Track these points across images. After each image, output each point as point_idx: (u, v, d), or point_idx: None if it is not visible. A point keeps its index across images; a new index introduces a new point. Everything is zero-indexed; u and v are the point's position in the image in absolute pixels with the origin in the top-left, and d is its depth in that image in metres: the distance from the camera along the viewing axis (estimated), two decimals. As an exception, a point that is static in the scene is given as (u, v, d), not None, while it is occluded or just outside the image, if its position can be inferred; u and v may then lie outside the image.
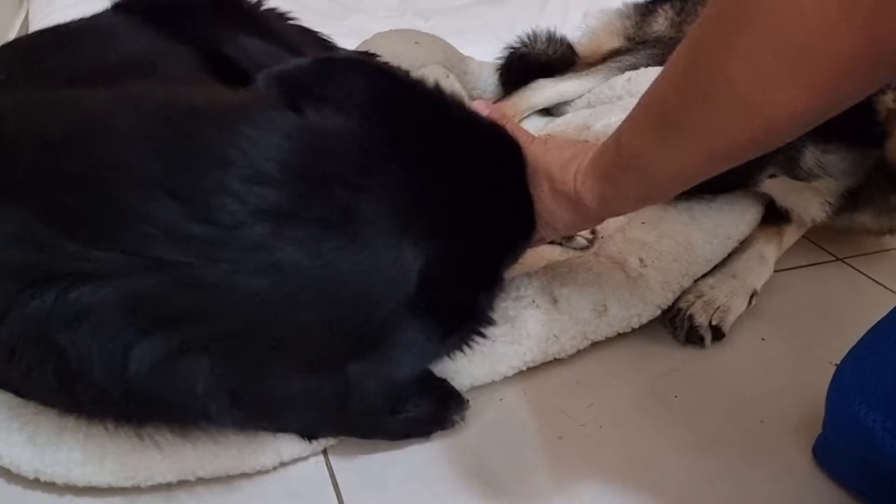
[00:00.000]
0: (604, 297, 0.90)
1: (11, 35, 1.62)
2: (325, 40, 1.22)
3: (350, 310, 0.64)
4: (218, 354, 0.60)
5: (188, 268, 0.58)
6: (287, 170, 0.62)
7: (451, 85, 1.39)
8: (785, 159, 0.96)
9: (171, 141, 0.62)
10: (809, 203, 1.03)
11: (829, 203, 1.02)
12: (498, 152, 0.78)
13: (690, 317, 0.94)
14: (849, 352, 0.75)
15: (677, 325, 0.95)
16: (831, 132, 0.91)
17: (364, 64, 0.87)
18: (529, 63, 1.54)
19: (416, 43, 1.43)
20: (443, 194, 0.71)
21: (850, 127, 0.87)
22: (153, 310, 0.58)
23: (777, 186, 1.03)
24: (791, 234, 1.15)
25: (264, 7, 1.12)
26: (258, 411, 0.68)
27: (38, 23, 1.60)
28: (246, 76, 0.85)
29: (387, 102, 0.74)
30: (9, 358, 0.61)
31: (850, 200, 1.01)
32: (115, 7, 1.00)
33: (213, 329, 0.60)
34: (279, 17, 1.13)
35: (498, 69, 1.53)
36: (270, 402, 0.67)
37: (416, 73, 1.34)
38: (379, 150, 0.68)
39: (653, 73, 1.43)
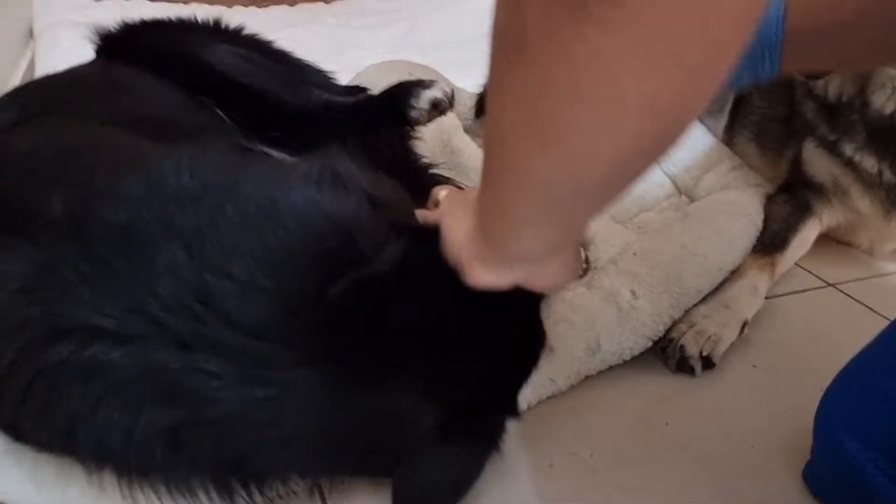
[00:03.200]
0: (597, 335, 0.92)
1: (18, 75, 1.66)
2: (306, 64, 1.25)
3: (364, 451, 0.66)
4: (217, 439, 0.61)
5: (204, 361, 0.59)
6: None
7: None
8: None
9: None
10: None
11: None
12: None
13: (682, 347, 0.96)
14: (833, 380, 0.76)
15: (669, 355, 0.97)
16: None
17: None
18: None
19: (409, 74, 1.45)
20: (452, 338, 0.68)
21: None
22: (166, 383, 0.59)
23: None
24: (783, 264, 1.17)
25: (239, 29, 1.15)
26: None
27: (44, 64, 1.64)
28: (225, 81, 0.90)
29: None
30: (21, 398, 0.62)
31: None
32: (98, 52, 1.04)
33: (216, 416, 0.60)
34: (255, 38, 1.17)
35: (476, 96, 1.55)
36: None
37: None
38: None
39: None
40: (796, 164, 1.26)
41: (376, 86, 1.36)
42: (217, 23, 1.12)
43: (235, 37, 1.09)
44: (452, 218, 0.67)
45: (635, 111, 0.44)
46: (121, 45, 1.02)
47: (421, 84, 1.14)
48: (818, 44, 0.83)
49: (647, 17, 0.40)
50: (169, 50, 0.97)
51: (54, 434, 0.64)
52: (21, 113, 0.85)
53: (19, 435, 0.70)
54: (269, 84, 1.00)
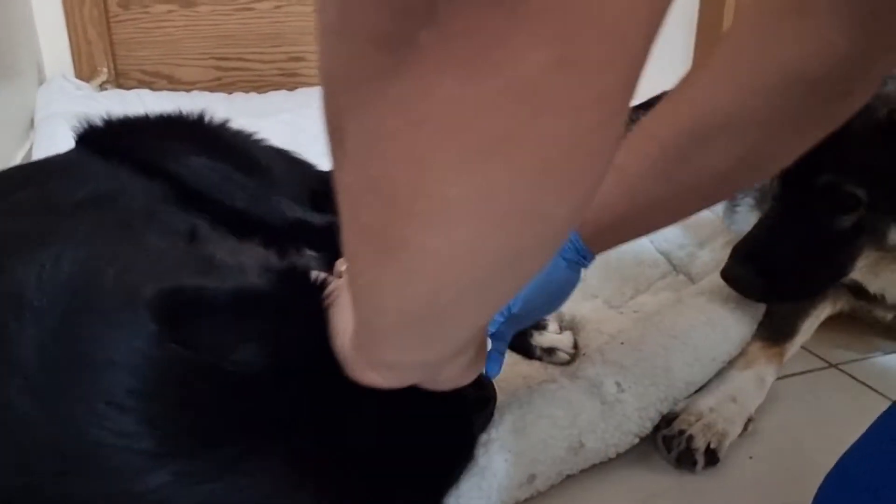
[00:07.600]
0: (580, 433, 0.87)
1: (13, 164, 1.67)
2: (296, 158, 1.27)
3: None
4: None
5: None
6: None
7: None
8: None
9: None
10: None
11: None
12: None
13: (690, 437, 0.91)
14: (830, 471, 0.72)
15: (673, 446, 0.92)
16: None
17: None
18: None
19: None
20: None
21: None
22: None
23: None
24: (791, 352, 1.12)
25: (222, 125, 1.16)
26: None
27: (41, 154, 1.66)
28: (197, 195, 0.90)
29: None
30: None
31: None
32: (77, 142, 1.06)
33: None
34: (239, 134, 1.17)
35: None
36: None
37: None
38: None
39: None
40: None
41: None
42: (200, 121, 1.13)
43: (217, 140, 1.09)
44: (338, 304, 0.57)
45: (467, 220, 0.34)
46: (101, 141, 1.03)
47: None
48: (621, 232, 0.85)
49: (459, 108, 0.30)
50: (144, 157, 0.97)
51: None
52: None
53: None
54: (237, 200, 0.99)
